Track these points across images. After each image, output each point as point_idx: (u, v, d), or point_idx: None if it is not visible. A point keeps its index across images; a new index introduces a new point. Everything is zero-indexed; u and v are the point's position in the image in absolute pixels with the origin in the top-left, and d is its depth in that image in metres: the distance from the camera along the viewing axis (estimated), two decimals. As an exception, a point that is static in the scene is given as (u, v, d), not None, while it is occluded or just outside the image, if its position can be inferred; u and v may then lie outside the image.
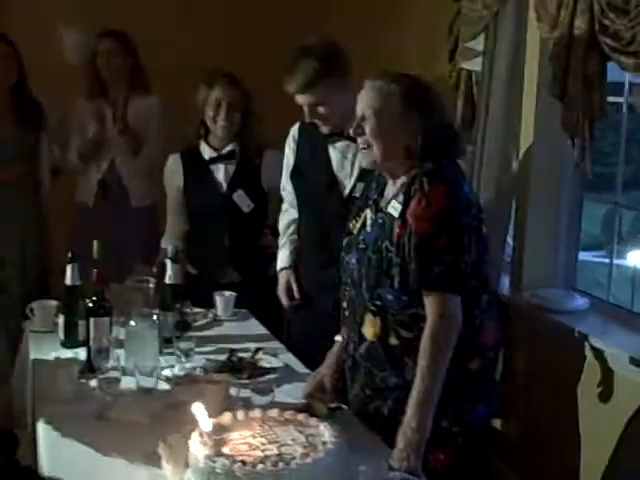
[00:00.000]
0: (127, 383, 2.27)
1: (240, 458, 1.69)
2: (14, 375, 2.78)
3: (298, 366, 2.53)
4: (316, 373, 2.31)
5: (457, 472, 2.11)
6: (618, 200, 3.06)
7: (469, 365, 2.08)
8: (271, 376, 2.39)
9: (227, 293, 3.01)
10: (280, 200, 3.09)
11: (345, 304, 2.23)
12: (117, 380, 2.26)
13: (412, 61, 3.76)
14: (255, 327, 2.93)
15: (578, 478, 2.84)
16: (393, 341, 2.09)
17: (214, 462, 1.68)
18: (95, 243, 2.70)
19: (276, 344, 2.74)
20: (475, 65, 3.27)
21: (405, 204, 2.04)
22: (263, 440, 1.79)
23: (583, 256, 4.19)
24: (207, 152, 3.21)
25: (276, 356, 2.55)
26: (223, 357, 2.52)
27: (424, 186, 2.01)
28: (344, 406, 2.20)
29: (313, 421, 1.88)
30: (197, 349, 2.55)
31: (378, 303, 2.10)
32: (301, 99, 2.67)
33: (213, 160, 3.20)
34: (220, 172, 3.20)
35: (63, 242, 3.58)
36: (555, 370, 2.97)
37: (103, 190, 3.85)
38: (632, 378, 2.62)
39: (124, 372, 2.32)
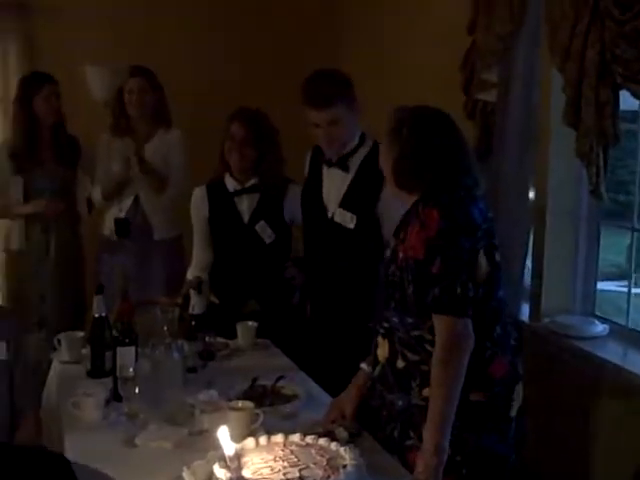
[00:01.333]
0: (152, 411, 2.31)
1: (262, 482, 1.73)
2: (42, 407, 2.84)
3: (320, 393, 2.56)
4: (337, 399, 2.34)
5: None
6: (635, 226, 3.09)
7: (470, 396, 2.04)
8: (295, 403, 2.43)
9: (249, 323, 3.06)
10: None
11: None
12: (143, 408, 2.30)
13: (427, 93, 3.83)
14: (277, 356, 2.97)
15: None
16: (400, 364, 2.12)
17: (237, 485, 1.72)
18: (121, 275, 2.78)
19: (298, 372, 2.77)
20: (490, 96, 3.33)
21: (404, 229, 2.12)
22: (285, 464, 1.83)
23: (608, 285, 4.22)
24: (231, 184, 3.29)
25: (298, 384, 2.59)
26: (245, 386, 2.56)
27: (419, 210, 2.08)
28: (364, 432, 2.23)
29: (334, 445, 1.92)
30: (220, 378, 2.60)
31: (386, 325, 2.16)
32: (319, 117, 2.74)
33: (237, 192, 3.28)
34: (243, 204, 3.27)
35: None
36: (575, 396, 2.98)
37: (119, 227, 3.88)
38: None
39: (150, 401, 2.37)
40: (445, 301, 2.00)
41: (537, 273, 3.22)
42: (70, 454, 2.14)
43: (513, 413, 2.13)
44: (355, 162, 2.83)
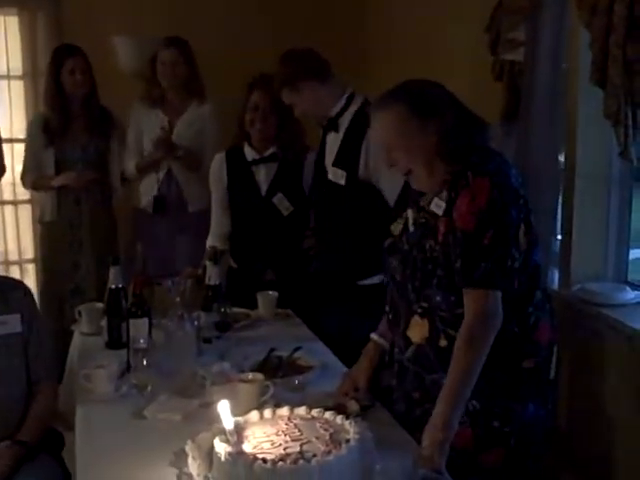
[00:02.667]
0: (163, 383, 2.30)
1: (261, 456, 1.70)
2: (64, 378, 2.85)
3: (336, 365, 2.52)
4: (350, 371, 2.29)
5: (508, 474, 2.06)
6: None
7: (523, 364, 2.01)
8: (308, 374, 2.39)
9: (270, 293, 3.03)
10: None
11: (388, 307, 2.20)
12: (153, 380, 2.29)
13: (457, 55, 3.72)
14: (297, 327, 2.94)
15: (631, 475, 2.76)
16: (443, 342, 2.03)
17: (235, 459, 1.69)
18: (138, 245, 2.77)
19: (317, 343, 2.74)
20: (518, 55, 3.21)
21: (450, 201, 1.99)
22: (287, 438, 1.79)
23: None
24: (250, 154, 3.26)
25: (314, 355, 2.55)
26: (262, 357, 2.53)
27: (469, 181, 1.95)
28: (377, 403, 2.19)
29: (339, 419, 1.87)
30: (237, 349, 2.58)
31: (425, 305, 2.05)
32: (286, 99, 2.91)
33: (255, 162, 3.25)
34: (261, 174, 3.26)
35: (132, 245, 3.67)
36: (604, 364, 2.89)
37: (157, 204, 3.92)
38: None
39: (162, 372, 2.36)
40: (493, 275, 1.92)
41: (566, 239, 3.11)
42: (79, 426, 2.15)
43: (552, 376, 2.10)
44: (344, 121, 2.87)
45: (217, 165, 3.34)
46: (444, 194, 2.01)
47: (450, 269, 1.97)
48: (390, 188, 2.70)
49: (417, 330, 2.08)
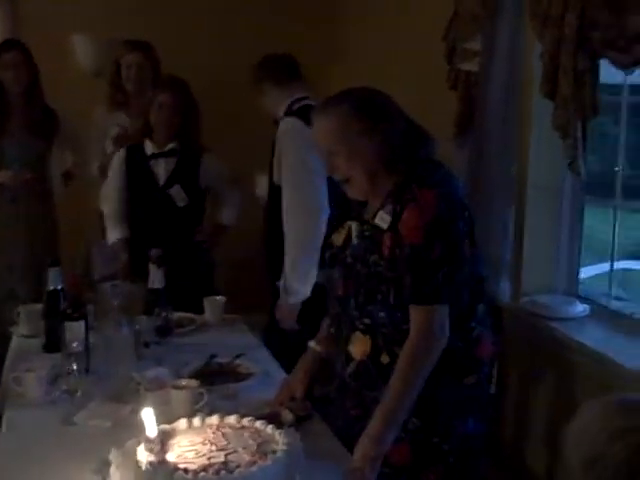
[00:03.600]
0: (97, 388, 2.24)
1: (183, 466, 1.65)
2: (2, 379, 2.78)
3: (278, 373, 2.47)
4: (286, 380, 2.25)
5: None
6: (617, 204, 2.95)
7: (464, 380, 1.97)
8: (244, 382, 2.34)
9: (217, 298, 2.98)
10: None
11: (329, 320, 2.15)
12: (86, 385, 2.23)
13: (409, 64, 3.71)
14: (243, 333, 2.89)
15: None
16: (385, 359, 1.97)
17: (155, 469, 1.64)
18: (82, 247, 2.71)
19: (261, 350, 2.69)
20: (473, 66, 3.20)
21: (395, 215, 1.91)
22: (212, 447, 1.74)
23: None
24: (150, 148, 3.41)
25: (256, 363, 2.50)
26: (202, 363, 2.48)
27: (415, 194, 1.88)
28: (314, 414, 2.14)
29: (270, 428, 1.82)
30: (178, 354, 2.53)
31: (367, 321, 1.99)
32: None
33: (155, 156, 3.40)
34: (160, 167, 3.41)
35: (75, 247, 3.60)
36: (553, 378, 2.87)
37: None
38: (632, 387, 2.51)
39: (99, 377, 2.30)
40: (442, 290, 1.86)
41: (517, 251, 3.10)
42: (5, 430, 2.08)
43: (492, 391, 2.10)
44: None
45: (117, 160, 3.48)
46: (389, 207, 1.93)
47: (396, 285, 1.91)
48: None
49: (359, 346, 2.02)
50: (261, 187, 3.40)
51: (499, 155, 3.08)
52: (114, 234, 3.43)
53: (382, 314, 1.95)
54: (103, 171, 3.82)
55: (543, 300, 2.99)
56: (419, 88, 3.66)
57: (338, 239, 2.10)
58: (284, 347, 2.77)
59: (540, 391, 2.91)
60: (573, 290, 3.12)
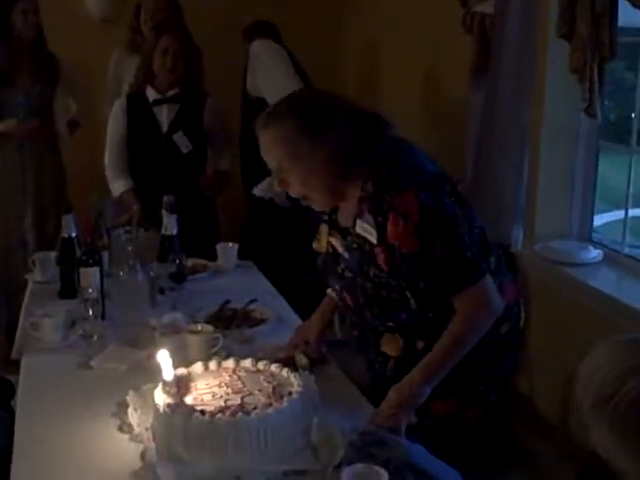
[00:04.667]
0: (113, 333, 2.26)
1: (200, 408, 1.67)
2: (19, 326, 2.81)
3: (292, 318, 2.48)
4: (302, 325, 2.26)
5: (486, 429, 2.07)
6: (632, 151, 2.91)
7: (500, 330, 1.94)
8: (259, 327, 2.36)
9: (230, 244, 2.99)
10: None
11: (348, 323, 2.10)
12: (102, 330, 2.25)
13: (424, 8, 3.65)
14: (256, 279, 2.89)
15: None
16: (420, 345, 1.93)
17: (173, 411, 1.66)
18: (93, 195, 2.71)
19: (274, 296, 2.70)
20: (488, 8, 3.14)
21: (379, 227, 1.80)
22: (229, 390, 1.76)
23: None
24: (152, 95, 3.37)
25: (270, 308, 2.51)
26: (216, 308, 2.49)
27: (391, 202, 1.78)
28: (328, 358, 2.16)
29: (285, 372, 1.84)
30: (192, 300, 2.54)
31: (391, 324, 1.94)
32: None
33: (157, 102, 3.36)
34: (163, 114, 3.37)
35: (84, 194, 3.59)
36: (566, 322, 2.88)
37: None
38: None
39: (114, 322, 2.32)
40: (463, 274, 1.79)
41: (531, 196, 3.08)
42: (23, 374, 2.11)
43: (521, 326, 2.06)
44: None
45: (117, 108, 3.43)
46: (369, 218, 1.83)
47: (412, 290, 1.85)
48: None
49: (391, 344, 1.97)
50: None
51: (514, 98, 3.05)
52: (118, 186, 3.41)
53: (403, 316, 1.91)
54: None
55: (557, 246, 2.98)
56: (434, 33, 3.61)
57: (320, 246, 2.04)
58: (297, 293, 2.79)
59: (553, 335, 2.92)
60: (587, 236, 3.11)
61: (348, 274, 1.93)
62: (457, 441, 1.99)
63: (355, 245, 1.89)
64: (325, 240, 2.01)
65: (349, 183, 1.88)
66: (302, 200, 1.93)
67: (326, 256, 2.01)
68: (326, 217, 2.01)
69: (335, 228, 1.97)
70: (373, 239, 1.83)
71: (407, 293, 1.86)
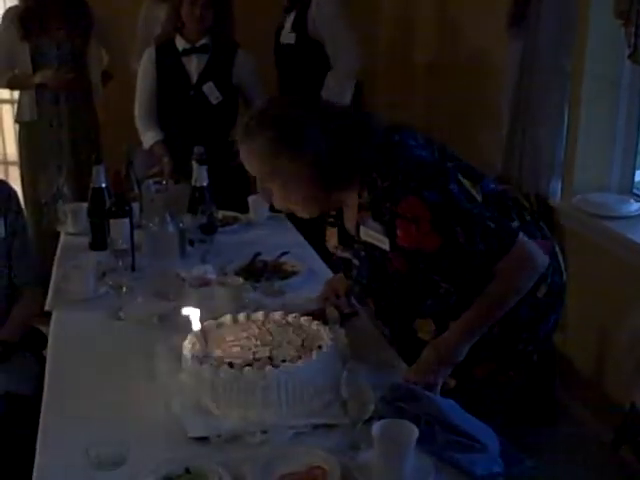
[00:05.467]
0: (143, 284, 2.25)
1: (228, 360, 1.65)
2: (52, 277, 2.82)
3: (323, 270, 2.44)
4: (332, 278, 2.22)
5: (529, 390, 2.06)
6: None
7: (537, 294, 1.88)
8: (289, 279, 2.33)
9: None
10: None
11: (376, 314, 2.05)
12: (131, 281, 2.24)
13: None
14: (287, 232, 2.85)
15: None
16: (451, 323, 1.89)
17: (201, 363, 1.65)
18: (124, 146, 2.68)
19: (306, 249, 2.66)
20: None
21: (390, 234, 1.76)
22: (257, 342, 1.75)
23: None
24: (181, 44, 3.31)
25: (301, 260, 2.48)
26: (247, 260, 2.46)
27: (396, 210, 1.72)
28: (359, 311, 2.12)
29: (315, 325, 1.82)
30: (223, 252, 2.52)
31: (419, 313, 1.90)
32: None
33: (186, 52, 3.31)
34: (192, 64, 3.32)
35: (115, 146, 3.58)
36: (604, 278, 2.81)
37: None
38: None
39: (144, 274, 2.31)
40: (493, 245, 1.73)
41: (571, 146, 2.98)
42: (54, 325, 2.11)
43: (565, 278, 2.00)
44: None
45: (146, 58, 3.39)
46: (375, 225, 1.79)
47: (445, 277, 1.81)
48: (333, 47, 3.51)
49: (424, 329, 1.92)
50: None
51: (554, 46, 2.94)
52: (149, 138, 3.38)
53: (429, 302, 1.87)
54: None
55: (596, 198, 2.89)
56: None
57: (331, 246, 2.01)
58: None
59: (589, 290, 2.85)
60: (627, 189, 3.01)
61: (364, 282, 1.92)
62: (498, 402, 1.96)
63: (363, 253, 1.86)
64: (334, 241, 1.98)
65: (342, 191, 1.83)
66: (294, 208, 1.89)
67: (337, 261, 2.01)
68: (331, 219, 1.96)
69: (341, 235, 1.95)
70: (384, 246, 1.79)
71: (435, 278, 1.81)
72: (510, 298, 1.79)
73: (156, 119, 3.41)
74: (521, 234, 1.78)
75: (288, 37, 3.58)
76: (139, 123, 3.44)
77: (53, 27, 3.68)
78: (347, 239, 1.94)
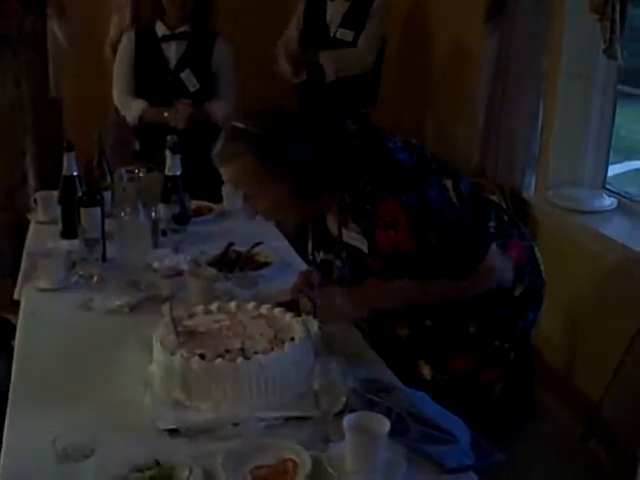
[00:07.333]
0: (114, 274, 2.22)
1: (199, 351, 1.63)
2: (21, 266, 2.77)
3: (296, 262, 2.44)
4: (306, 269, 2.21)
5: (507, 388, 2.04)
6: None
7: (514, 293, 1.91)
8: (264, 270, 2.32)
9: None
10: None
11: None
12: (102, 271, 2.21)
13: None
14: (261, 222, 2.80)
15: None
16: (428, 322, 1.92)
17: (172, 354, 1.63)
18: (96, 134, 2.65)
19: (280, 240, 2.65)
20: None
21: (368, 237, 1.79)
22: (229, 333, 1.73)
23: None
24: (161, 30, 3.31)
25: (274, 251, 2.47)
26: (220, 251, 2.45)
27: (374, 214, 1.75)
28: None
29: (288, 316, 1.81)
30: (196, 242, 2.49)
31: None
32: None
33: (166, 38, 3.31)
34: (171, 50, 3.32)
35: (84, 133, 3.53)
36: (576, 272, 2.82)
37: None
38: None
39: (115, 263, 2.29)
40: (465, 261, 1.77)
41: (545, 141, 2.99)
42: (22, 315, 2.08)
43: (544, 277, 2.03)
44: None
45: (126, 42, 3.37)
46: (354, 227, 1.82)
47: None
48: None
49: (402, 325, 1.96)
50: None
51: (530, 41, 2.95)
52: (137, 105, 3.31)
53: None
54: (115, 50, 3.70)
55: (570, 192, 2.91)
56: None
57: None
58: None
59: (562, 283, 2.86)
60: (600, 185, 3.03)
61: (344, 280, 1.93)
62: (474, 399, 1.97)
63: (344, 254, 1.89)
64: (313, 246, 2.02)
65: (326, 196, 1.83)
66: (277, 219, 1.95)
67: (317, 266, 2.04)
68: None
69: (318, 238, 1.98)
70: (364, 248, 1.81)
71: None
72: (451, 299, 1.84)
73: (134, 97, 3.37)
74: (492, 247, 1.80)
75: (344, 34, 3.63)
76: (120, 100, 3.39)
77: (11, 10, 3.54)
78: (325, 241, 1.95)
